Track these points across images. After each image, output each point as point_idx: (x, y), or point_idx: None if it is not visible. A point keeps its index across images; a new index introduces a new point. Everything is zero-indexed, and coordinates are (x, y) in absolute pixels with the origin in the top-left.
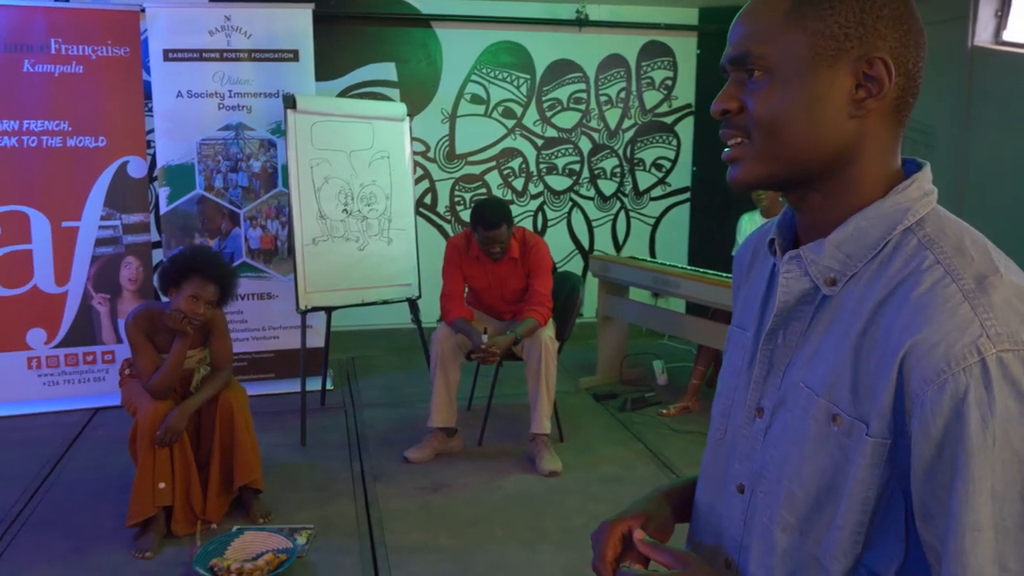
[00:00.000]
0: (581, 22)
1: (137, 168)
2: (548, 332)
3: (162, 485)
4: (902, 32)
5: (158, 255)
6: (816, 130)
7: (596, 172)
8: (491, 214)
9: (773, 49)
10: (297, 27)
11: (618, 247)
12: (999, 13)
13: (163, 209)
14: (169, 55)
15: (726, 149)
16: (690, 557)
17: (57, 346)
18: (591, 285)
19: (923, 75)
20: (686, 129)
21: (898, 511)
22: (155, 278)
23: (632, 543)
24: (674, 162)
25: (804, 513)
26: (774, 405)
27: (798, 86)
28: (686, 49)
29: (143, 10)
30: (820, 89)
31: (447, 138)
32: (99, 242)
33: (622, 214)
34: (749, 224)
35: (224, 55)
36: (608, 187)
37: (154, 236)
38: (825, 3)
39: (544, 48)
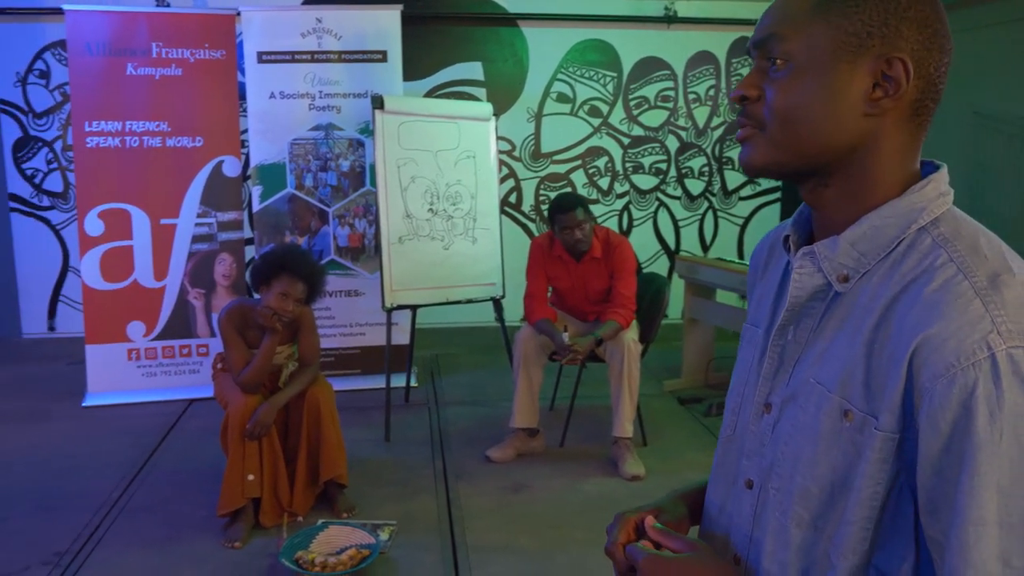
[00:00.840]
0: (670, 19)
1: (232, 167)
2: (631, 335)
3: (251, 477)
4: (926, 36)
5: (251, 252)
6: (830, 124)
7: (683, 171)
8: (564, 198)
9: (796, 39)
10: (386, 28)
11: (705, 248)
12: None
13: (256, 207)
14: (263, 57)
15: (739, 131)
16: (699, 544)
17: (155, 339)
18: (677, 286)
19: (946, 81)
20: None
21: (907, 512)
22: (247, 275)
23: (645, 534)
24: None
25: (818, 509)
26: (783, 401)
27: (817, 79)
28: None
29: (239, 13)
30: (838, 84)
31: (532, 137)
32: (195, 239)
33: (710, 214)
34: None
35: (315, 56)
36: (696, 186)
37: (247, 233)
38: (850, 2)
39: (631, 45)
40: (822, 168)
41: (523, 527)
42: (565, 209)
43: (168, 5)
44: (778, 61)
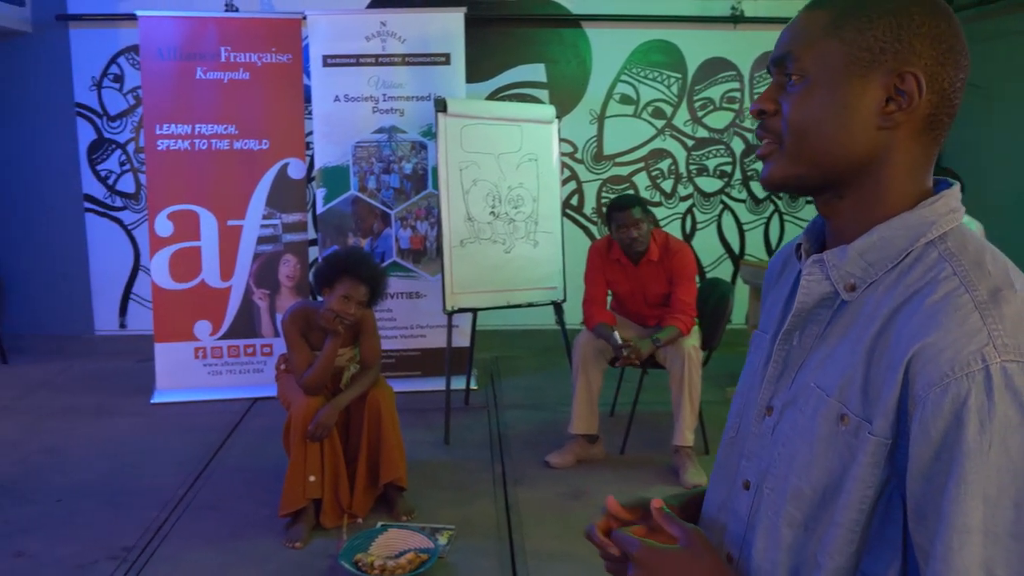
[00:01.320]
0: (736, 19)
1: (297, 169)
2: (692, 341)
3: (312, 478)
4: (940, 51)
5: (314, 253)
6: (844, 137)
7: (749, 174)
8: (622, 197)
9: (810, 56)
10: (449, 31)
11: (770, 252)
12: None
13: (319, 209)
14: (328, 61)
15: (762, 146)
16: (696, 535)
17: (221, 338)
18: (741, 291)
19: (962, 96)
20: None
21: (897, 518)
22: (310, 277)
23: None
24: None
25: (810, 510)
26: (783, 404)
27: (830, 93)
28: None
29: (305, 17)
30: (851, 98)
31: (595, 139)
32: (260, 240)
33: (776, 217)
34: None
35: (379, 60)
36: (761, 190)
37: (311, 235)
38: (864, 17)
39: (697, 46)
40: (837, 180)
41: (582, 535)
42: (622, 207)
43: (236, 10)
44: (794, 77)
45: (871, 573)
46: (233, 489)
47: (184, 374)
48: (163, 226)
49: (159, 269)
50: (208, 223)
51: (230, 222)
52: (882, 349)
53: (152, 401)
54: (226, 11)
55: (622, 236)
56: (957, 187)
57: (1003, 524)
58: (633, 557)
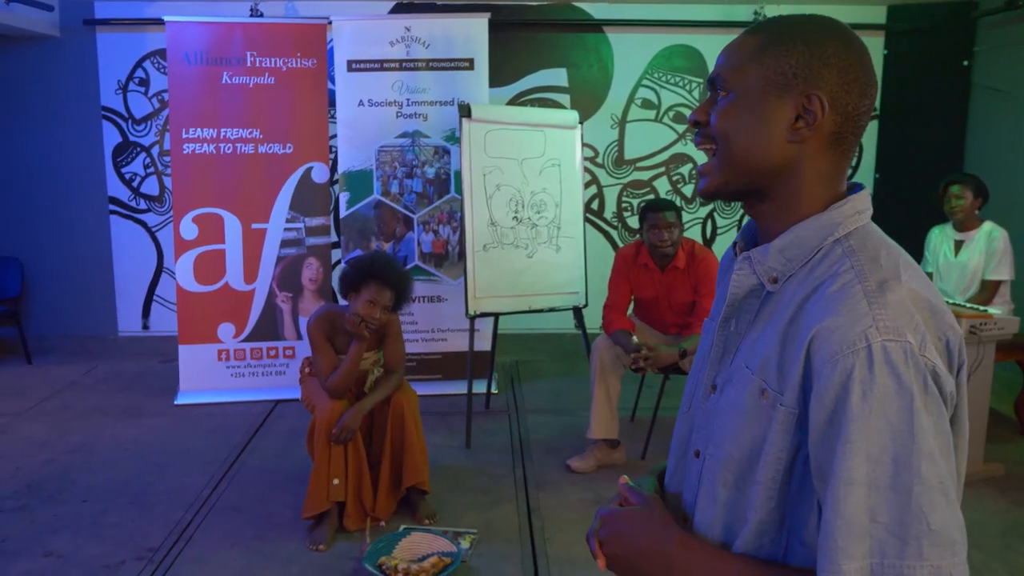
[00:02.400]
0: None
1: (320, 174)
2: None
3: (336, 481)
4: (846, 80)
5: (336, 256)
6: (759, 147)
7: None
8: (658, 200)
9: (736, 76)
10: (473, 36)
11: None
12: None
13: (343, 213)
14: (352, 66)
15: (701, 164)
16: (653, 499)
17: (244, 340)
18: None
19: (868, 121)
20: (869, 134)
21: (811, 482)
22: (335, 281)
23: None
24: (855, 168)
25: (739, 472)
26: (723, 383)
27: (749, 108)
28: (872, 49)
29: (330, 22)
30: (766, 113)
31: (616, 143)
32: (284, 243)
33: None
34: (940, 237)
35: (403, 65)
36: None
37: (333, 238)
38: (783, 48)
39: (718, 51)
40: (758, 186)
41: None
42: (658, 208)
43: (261, 15)
44: (722, 92)
45: (794, 525)
46: (257, 491)
47: (207, 376)
48: (188, 229)
49: (184, 271)
50: (232, 226)
51: (254, 225)
52: (793, 332)
53: (176, 402)
54: (251, 16)
55: (653, 237)
56: (866, 191)
57: (883, 477)
58: (601, 518)
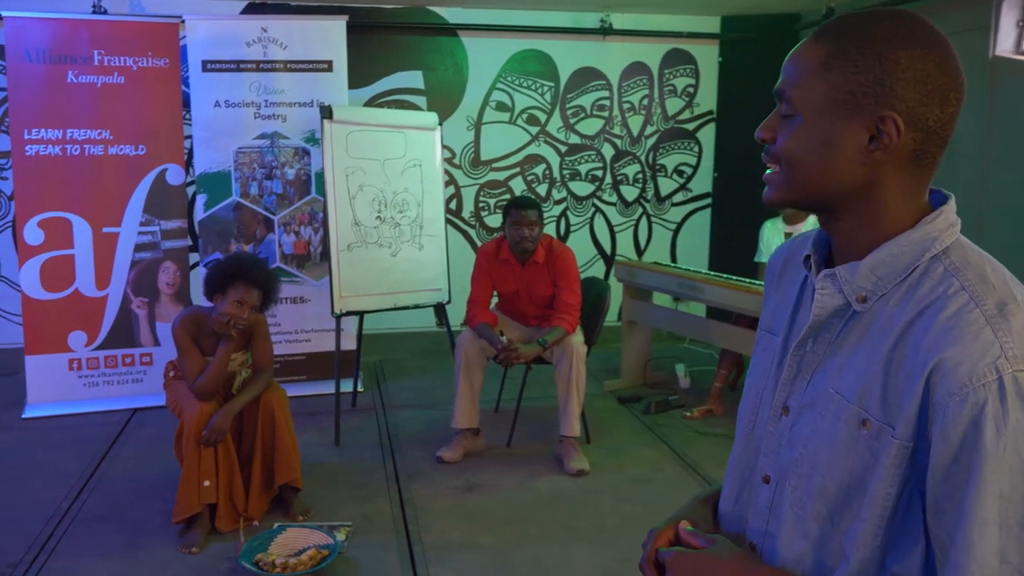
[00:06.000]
0: (605, 31)
1: (175, 175)
2: (578, 339)
3: (207, 483)
4: (923, 93)
5: (194, 259)
6: (827, 171)
7: (618, 178)
8: (523, 198)
9: (798, 93)
10: (331, 38)
11: (640, 252)
12: (1021, 23)
13: (200, 215)
14: (207, 66)
15: (767, 171)
16: (718, 538)
17: (97, 348)
18: (614, 289)
19: (954, 126)
20: (708, 136)
21: (917, 512)
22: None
23: (677, 543)
24: (695, 168)
25: (835, 506)
26: (800, 406)
27: (816, 130)
28: (708, 57)
29: (183, 21)
30: (834, 136)
31: (472, 145)
32: (138, 247)
33: (644, 219)
34: (772, 230)
35: (260, 66)
36: (630, 193)
37: (190, 242)
38: (851, 62)
39: (568, 56)
40: (828, 205)
41: (479, 524)
42: (522, 206)
43: (105, 12)
44: (787, 110)
45: (895, 563)
46: (122, 499)
47: (58, 387)
48: (33, 234)
49: (29, 279)
50: (82, 230)
51: (105, 229)
52: (899, 360)
53: (24, 416)
54: (94, 13)
55: (515, 234)
56: (952, 201)
57: (1015, 517)
58: (666, 563)
